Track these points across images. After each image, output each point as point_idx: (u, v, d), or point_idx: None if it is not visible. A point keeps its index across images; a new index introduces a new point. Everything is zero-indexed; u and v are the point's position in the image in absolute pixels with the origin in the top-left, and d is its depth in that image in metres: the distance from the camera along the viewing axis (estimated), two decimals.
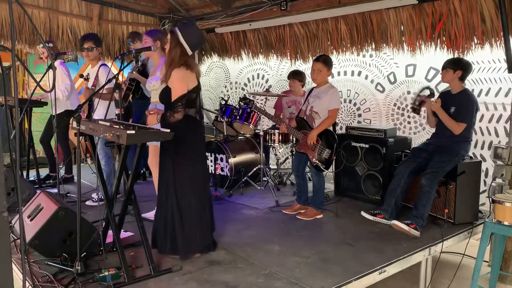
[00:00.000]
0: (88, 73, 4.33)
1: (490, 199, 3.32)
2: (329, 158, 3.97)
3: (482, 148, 4.62)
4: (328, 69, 4.01)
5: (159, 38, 3.70)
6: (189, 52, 3.09)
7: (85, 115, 3.54)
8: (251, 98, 4.64)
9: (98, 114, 4.08)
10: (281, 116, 5.22)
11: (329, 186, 4.79)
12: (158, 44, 3.62)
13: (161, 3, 6.64)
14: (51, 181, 5.23)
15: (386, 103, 5.48)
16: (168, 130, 2.71)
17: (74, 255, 2.78)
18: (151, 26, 6.67)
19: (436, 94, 4.48)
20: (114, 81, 3.27)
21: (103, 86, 3.20)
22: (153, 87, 3.76)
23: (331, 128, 4.01)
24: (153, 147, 3.79)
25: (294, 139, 4.92)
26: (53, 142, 5.32)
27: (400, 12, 4.74)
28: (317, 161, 3.97)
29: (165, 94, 3.09)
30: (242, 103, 4.71)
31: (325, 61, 4.00)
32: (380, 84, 5.51)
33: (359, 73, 5.73)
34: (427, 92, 3.89)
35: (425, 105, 3.90)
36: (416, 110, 3.94)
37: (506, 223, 3.11)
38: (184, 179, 3.05)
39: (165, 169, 3.11)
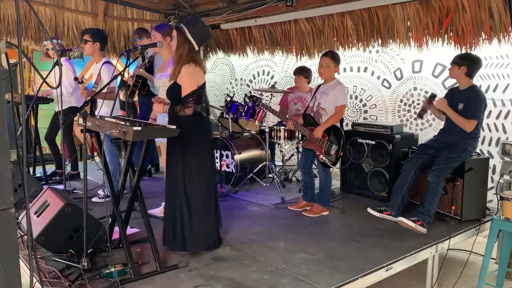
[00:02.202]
0: (83, 76, 4.34)
1: (498, 196, 3.29)
2: (336, 155, 3.95)
3: (489, 144, 4.58)
4: (335, 65, 3.98)
5: (169, 34, 3.68)
6: (196, 48, 3.12)
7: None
8: (258, 95, 4.63)
9: (102, 113, 4.08)
10: (286, 113, 5.20)
11: (335, 183, 4.77)
12: (168, 40, 3.60)
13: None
14: (57, 177, 5.26)
15: (392, 99, 5.44)
16: (174, 127, 2.72)
17: (80, 251, 2.79)
18: (156, 23, 6.67)
19: (443, 91, 4.44)
20: (119, 79, 3.25)
21: (105, 86, 3.12)
22: (162, 83, 3.75)
23: (338, 125, 3.99)
24: (164, 145, 3.81)
25: (300, 135, 4.90)
26: (58, 139, 5.34)
27: (407, 7, 4.71)
28: (324, 158, 3.96)
29: (173, 90, 3.10)
30: (248, 100, 4.70)
31: (333, 56, 3.97)
32: (387, 80, 5.48)
33: (365, 69, 5.70)
34: (430, 97, 3.88)
35: (429, 110, 3.91)
36: (421, 116, 3.94)
37: None
38: (191, 175, 3.07)
39: (172, 164, 3.12)
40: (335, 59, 3.98)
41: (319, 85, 4.15)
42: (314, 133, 3.95)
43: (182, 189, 3.06)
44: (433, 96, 3.87)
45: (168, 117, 3.17)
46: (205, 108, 3.17)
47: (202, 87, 3.12)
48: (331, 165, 3.97)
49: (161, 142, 3.82)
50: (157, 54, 4.61)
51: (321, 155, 3.96)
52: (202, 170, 3.12)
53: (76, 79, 4.44)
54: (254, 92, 5.53)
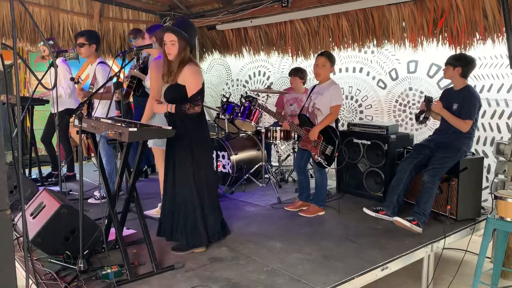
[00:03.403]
0: (79, 77, 4.34)
1: (493, 195, 3.32)
2: (332, 155, 3.97)
3: (484, 144, 4.60)
4: (331, 65, 4.00)
5: (155, 34, 3.71)
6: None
7: (85, 114, 3.54)
8: (254, 95, 4.64)
9: (98, 114, 4.08)
10: (282, 113, 5.21)
11: (331, 183, 4.79)
12: (153, 39, 3.64)
13: (162, 0, 6.63)
14: (53, 179, 5.24)
15: (388, 99, 5.46)
16: (170, 128, 2.73)
17: (76, 252, 2.80)
18: (152, 24, 6.67)
19: (438, 92, 4.46)
20: (114, 79, 3.26)
21: (102, 86, 3.12)
22: (149, 83, 3.79)
23: (333, 125, 4.01)
24: (155, 149, 3.79)
25: (296, 136, 4.91)
26: (54, 140, 5.33)
27: (402, 8, 4.73)
28: (319, 158, 3.97)
29: (176, 91, 3.13)
30: (244, 101, 4.70)
31: (328, 56, 3.99)
32: (382, 80, 5.50)
33: (361, 70, 5.71)
34: (425, 102, 3.88)
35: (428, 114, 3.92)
36: (422, 122, 3.95)
37: (508, 219, 3.11)
38: (201, 169, 3.17)
39: (180, 159, 3.15)
40: (331, 59, 4.00)
41: (314, 86, 4.16)
42: (310, 133, 3.96)
43: (192, 183, 3.14)
44: (429, 100, 3.87)
45: (172, 117, 3.19)
46: (203, 107, 3.27)
47: (203, 85, 3.22)
48: (326, 165, 3.99)
49: (153, 147, 3.79)
50: (151, 55, 4.61)
51: (317, 156, 3.98)
52: (208, 162, 3.29)
53: (72, 79, 4.43)
54: (250, 93, 5.53)
